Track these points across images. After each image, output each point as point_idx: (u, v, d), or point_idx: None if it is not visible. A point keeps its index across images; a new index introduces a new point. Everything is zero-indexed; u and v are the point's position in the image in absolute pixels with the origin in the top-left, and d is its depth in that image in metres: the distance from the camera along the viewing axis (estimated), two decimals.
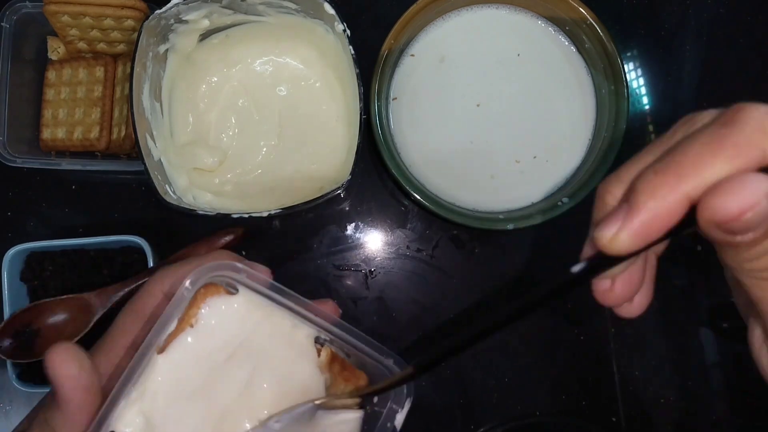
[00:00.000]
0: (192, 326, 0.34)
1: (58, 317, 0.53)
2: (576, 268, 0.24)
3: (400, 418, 0.35)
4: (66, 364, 0.32)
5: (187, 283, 0.33)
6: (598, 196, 0.26)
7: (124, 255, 0.56)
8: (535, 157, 0.55)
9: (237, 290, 0.35)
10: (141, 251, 0.54)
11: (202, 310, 0.34)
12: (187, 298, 0.33)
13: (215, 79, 0.58)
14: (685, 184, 0.21)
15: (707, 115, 0.23)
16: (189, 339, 0.34)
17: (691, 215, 0.21)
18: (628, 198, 0.22)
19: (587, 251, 0.26)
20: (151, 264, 0.53)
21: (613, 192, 0.25)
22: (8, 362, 0.52)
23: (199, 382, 0.34)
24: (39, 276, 0.55)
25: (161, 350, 0.34)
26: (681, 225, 0.21)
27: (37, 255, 0.55)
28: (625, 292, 0.26)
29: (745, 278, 0.23)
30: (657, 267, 0.28)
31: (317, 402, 0.35)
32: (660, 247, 0.28)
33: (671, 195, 0.21)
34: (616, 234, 0.22)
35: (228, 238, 0.54)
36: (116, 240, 0.54)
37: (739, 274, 0.23)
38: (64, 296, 0.53)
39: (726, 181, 0.20)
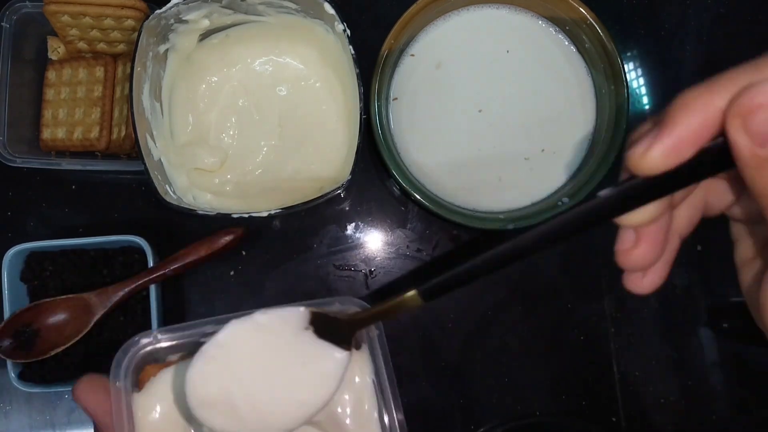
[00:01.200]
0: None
1: (58, 317, 0.53)
2: (604, 193, 0.23)
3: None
4: (92, 395, 0.34)
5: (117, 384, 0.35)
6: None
7: (124, 255, 0.56)
8: (543, 150, 0.55)
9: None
10: (141, 251, 0.54)
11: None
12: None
13: (215, 79, 0.58)
14: (719, 97, 0.20)
15: None
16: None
17: (724, 149, 0.20)
18: (662, 116, 0.22)
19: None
20: (151, 264, 0.53)
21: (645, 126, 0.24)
22: (8, 362, 0.52)
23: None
24: (39, 276, 0.55)
25: None
26: (715, 155, 0.21)
27: (37, 255, 0.55)
28: (646, 254, 0.25)
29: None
30: (678, 250, 0.27)
31: (309, 308, 0.34)
32: (685, 228, 0.27)
33: (704, 108, 0.21)
34: (647, 149, 0.21)
35: (228, 238, 0.54)
36: (116, 240, 0.54)
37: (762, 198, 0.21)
38: (64, 296, 0.53)
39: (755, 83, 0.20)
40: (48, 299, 0.53)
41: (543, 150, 0.55)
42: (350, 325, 0.34)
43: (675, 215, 0.27)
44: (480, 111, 0.55)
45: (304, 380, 0.34)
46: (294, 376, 0.34)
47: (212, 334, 0.34)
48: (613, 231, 0.58)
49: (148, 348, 0.37)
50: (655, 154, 0.21)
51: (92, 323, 0.52)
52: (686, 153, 0.21)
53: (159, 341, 0.38)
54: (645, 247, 0.25)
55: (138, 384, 0.37)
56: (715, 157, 0.21)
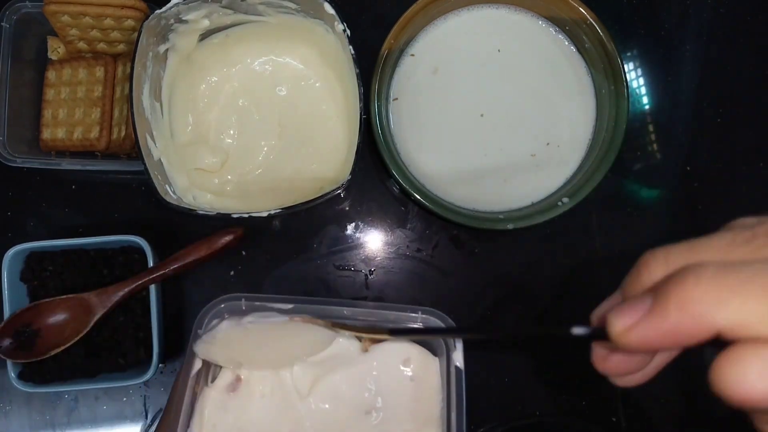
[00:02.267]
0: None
1: (58, 317, 0.53)
2: (577, 331, 0.23)
3: (459, 357, 0.39)
4: None
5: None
6: (637, 265, 0.22)
7: (124, 255, 0.56)
8: (548, 144, 0.55)
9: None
10: (141, 251, 0.54)
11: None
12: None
13: (215, 78, 0.58)
14: (722, 314, 0.17)
15: None
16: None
17: (715, 342, 0.18)
18: (658, 294, 0.19)
19: (603, 308, 0.24)
20: (151, 264, 0.53)
21: (653, 271, 0.21)
22: (8, 362, 0.52)
23: None
24: (39, 276, 0.55)
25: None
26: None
27: (37, 255, 0.55)
28: (620, 369, 0.24)
29: None
30: (677, 357, 0.25)
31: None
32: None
33: (701, 318, 0.18)
34: (629, 329, 0.20)
35: (228, 238, 0.54)
36: (116, 240, 0.54)
37: None
38: (64, 296, 0.53)
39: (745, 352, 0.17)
40: (48, 299, 0.53)
41: (548, 144, 0.55)
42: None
43: None
44: (482, 115, 0.55)
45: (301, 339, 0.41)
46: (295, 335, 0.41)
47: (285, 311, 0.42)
48: (613, 231, 0.58)
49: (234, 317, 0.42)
50: (633, 339, 0.20)
51: (92, 323, 0.52)
52: (666, 347, 0.20)
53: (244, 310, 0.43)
54: (617, 363, 0.24)
55: None
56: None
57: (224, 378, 0.42)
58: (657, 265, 0.21)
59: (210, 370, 0.43)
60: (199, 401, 0.41)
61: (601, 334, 0.22)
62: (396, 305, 0.40)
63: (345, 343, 0.42)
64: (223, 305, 0.43)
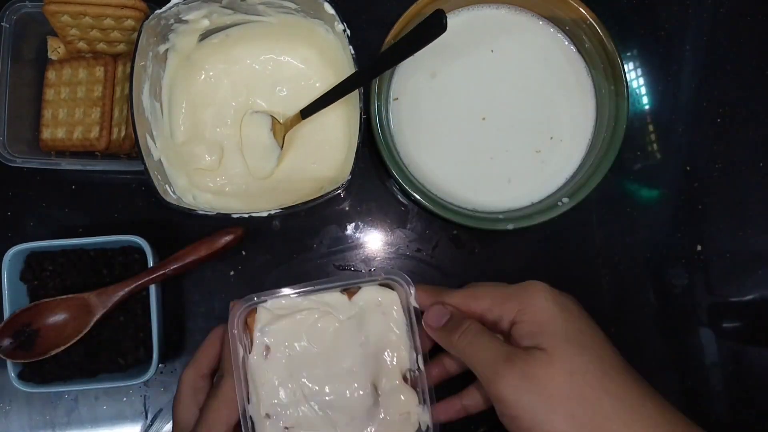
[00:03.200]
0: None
1: (58, 317, 0.53)
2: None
3: (413, 300, 0.49)
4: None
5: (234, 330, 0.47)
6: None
7: (124, 255, 0.56)
8: (552, 138, 0.55)
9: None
10: (141, 251, 0.55)
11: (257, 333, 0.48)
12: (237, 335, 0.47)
13: (215, 78, 0.58)
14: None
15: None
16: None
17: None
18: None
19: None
20: (150, 264, 0.53)
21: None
22: (8, 362, 0.52)
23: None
24: (39, 276, 0.55)
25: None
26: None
27: (37, 255, 0.55)
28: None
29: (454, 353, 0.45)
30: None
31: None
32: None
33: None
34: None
35: (228, 238, 0.54)
36: (116, 240, 0.54)
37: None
38: (64, 296, 0.53)
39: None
40: (48, 299, 0.53)
41: (552, 138, 0.55)
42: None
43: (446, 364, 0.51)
44: (484, 119, 0.55)
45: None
46: None
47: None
48: (613, 231, 0.59)
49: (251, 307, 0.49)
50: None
51: (92, 323, 0.52)
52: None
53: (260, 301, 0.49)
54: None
55: (247, 328, 0.48)
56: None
57: (258, 348, 0.47)
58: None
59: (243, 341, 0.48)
60: (249, 370, 0.47)
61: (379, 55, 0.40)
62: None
63: (335, 297, 0.49)
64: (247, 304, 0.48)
